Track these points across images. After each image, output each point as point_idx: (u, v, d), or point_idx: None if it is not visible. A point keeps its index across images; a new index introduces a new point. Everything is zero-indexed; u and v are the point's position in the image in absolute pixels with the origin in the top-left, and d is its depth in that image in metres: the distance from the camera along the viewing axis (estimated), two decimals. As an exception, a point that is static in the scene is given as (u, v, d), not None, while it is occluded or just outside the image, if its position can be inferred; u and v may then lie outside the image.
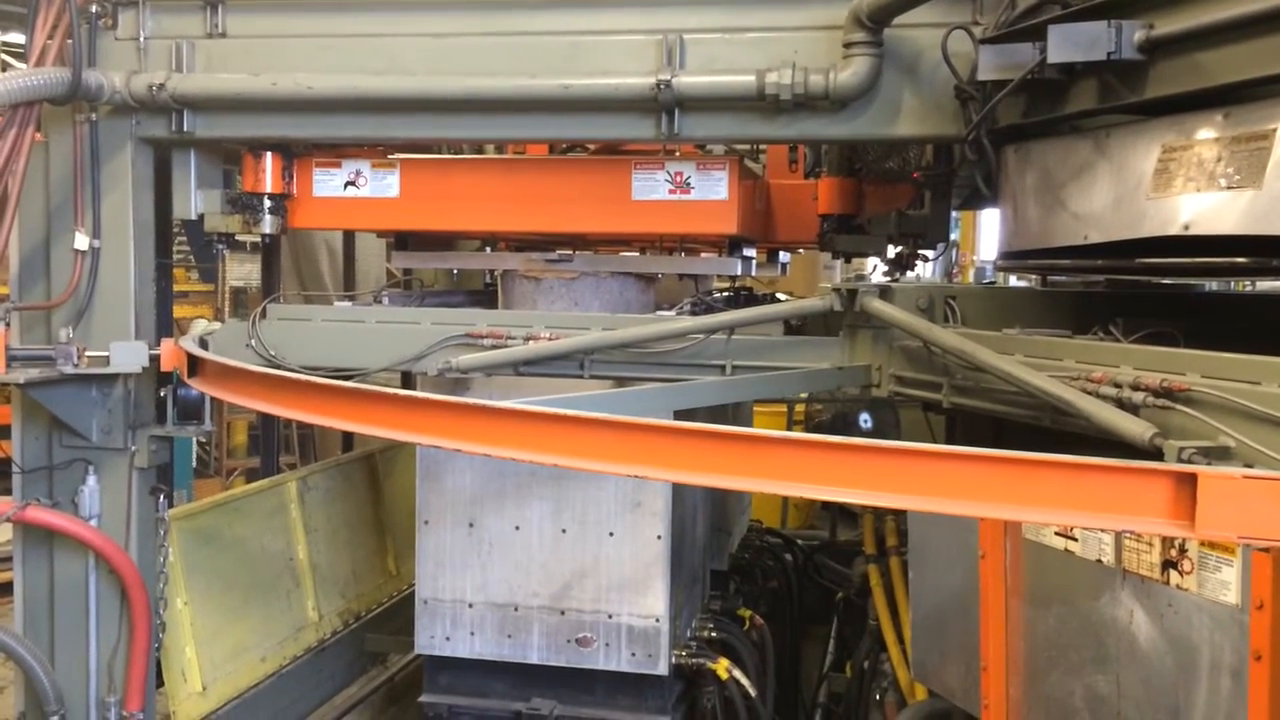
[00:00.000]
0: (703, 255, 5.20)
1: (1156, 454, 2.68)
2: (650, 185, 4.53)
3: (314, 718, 5.78)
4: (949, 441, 4.65)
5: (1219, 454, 2.62)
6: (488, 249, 5.47)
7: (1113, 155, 3.25)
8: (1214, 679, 3.02)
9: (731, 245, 4.97)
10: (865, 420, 8.72)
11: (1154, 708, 3.20)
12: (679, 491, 4.66)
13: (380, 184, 4.76)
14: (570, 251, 4.87)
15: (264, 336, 4.67)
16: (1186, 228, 2.95)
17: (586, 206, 4.60)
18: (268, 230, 4.77)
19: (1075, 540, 3.47)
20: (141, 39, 4.47)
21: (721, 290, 5.99)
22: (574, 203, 4.61)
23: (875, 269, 6.69)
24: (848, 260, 6.79)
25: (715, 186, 4.50)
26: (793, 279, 10.60)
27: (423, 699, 4.86)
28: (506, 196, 4.67)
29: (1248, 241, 2.85)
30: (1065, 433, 3.21)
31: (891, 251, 5.56)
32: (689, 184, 4.50)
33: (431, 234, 5.33)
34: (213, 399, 4.52)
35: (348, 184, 4.77)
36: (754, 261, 5.79)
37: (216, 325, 4.79)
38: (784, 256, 7.00)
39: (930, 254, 5.73)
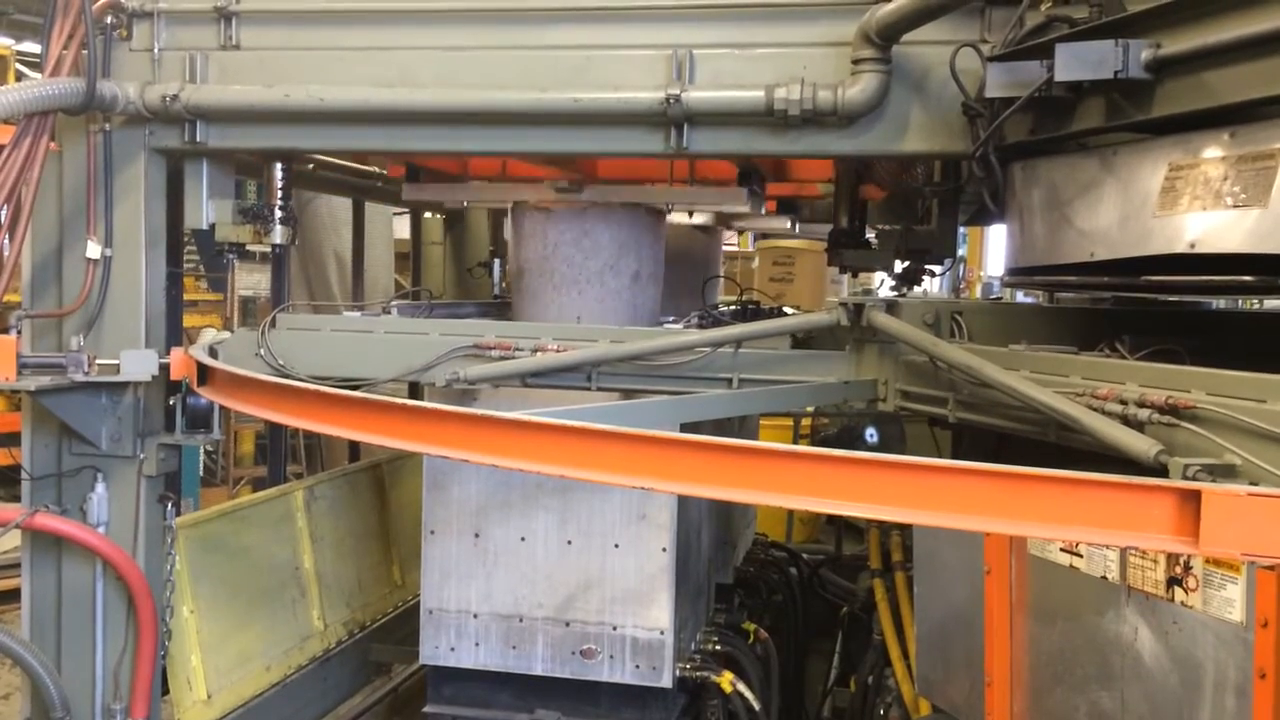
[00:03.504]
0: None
1: (1161, 471, 2.69)
2: None
3: (318, 727, 5.79)
4: (955, 456, 4.65)
5: (1224, 471, 2.62)
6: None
7: (1119, 173, 3.26)
8: (1218, 697, 3.02)
9: (741, 176, 4.95)
10: (871, 434, 8.75)
11: (1158, 725, 3.20)
12: (684, 504, 4.66)
13: None
14: (579, 181, 4.90)
15: (273, 346, 4.69)
16: (1192, 246, 2.96)
17: None
18: (278, 240, 4.80)
19: (1080, 556, 3.48)
20: (156, 50, 4.50)
21: (729, 304, 6.01)
22: None
23: (882, 283, 6.71)
24: (855, 274, 6.80)
25: None
26: (800, 292, 10.67)
27: (427, 709, 4.87)
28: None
29: (1253, 260, 2.86)
30: (1070, 449, 3.22)
31: (899, 266, 5.58)
32: None
33: (442, 170, 5.27)
34: (221, 408, 4.55)
35: None
36: (763, 201, 5.80)
37: (226, 334, 4.81)
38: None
39: (937, 269, 5.75)
